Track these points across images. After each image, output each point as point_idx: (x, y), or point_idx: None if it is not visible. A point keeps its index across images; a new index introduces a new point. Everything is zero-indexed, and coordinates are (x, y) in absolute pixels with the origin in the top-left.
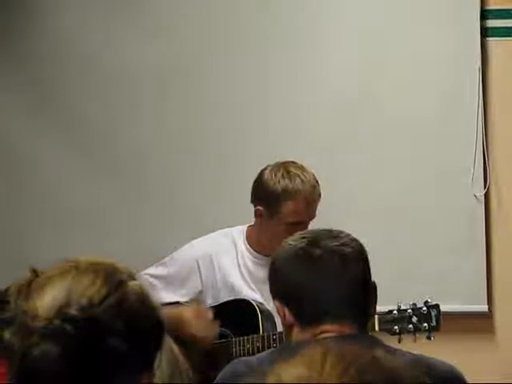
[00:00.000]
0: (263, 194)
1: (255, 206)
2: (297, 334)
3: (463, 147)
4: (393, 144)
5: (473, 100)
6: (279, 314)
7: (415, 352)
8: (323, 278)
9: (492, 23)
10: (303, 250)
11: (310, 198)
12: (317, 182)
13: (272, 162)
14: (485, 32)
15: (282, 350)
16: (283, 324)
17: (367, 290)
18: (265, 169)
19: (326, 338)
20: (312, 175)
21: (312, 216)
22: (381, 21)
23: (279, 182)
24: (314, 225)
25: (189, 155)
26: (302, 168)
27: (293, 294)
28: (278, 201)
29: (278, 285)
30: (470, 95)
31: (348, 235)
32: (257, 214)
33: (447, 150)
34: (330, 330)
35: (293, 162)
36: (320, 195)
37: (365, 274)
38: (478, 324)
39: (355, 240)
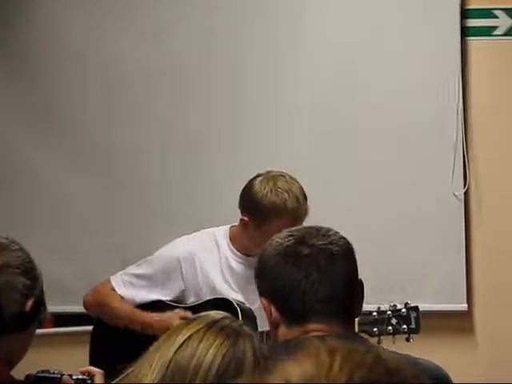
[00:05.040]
0: (250, 206)
1: (242, 213)
2: (283, 333)
3: (443, 146)
4: (372, 144)
5: (453, 99)
6: (266, 311)
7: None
8: (310, 277)
9: (472, 23)
10: (291, 248)
11: (297, 216)
12: (305, 197)
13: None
14: (465, 31)
15: (271, 350)
16: (269, 322)
17: (354, 289)
18: (254, 179)
19: (313, 337)
20: (300, 190)
21: None
22: (360, 20)
23: (267, 195)
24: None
25: (176, 156)
26: (290, 182)
27: (280, 291)
28: (264, 216)
29: (265, 282)
30: (450, 94)
31: (336, 233)
32: (242, 223)
33: (427, 149)
34: (316, 329)
35: (282, 176)
36: (307, 211)
37: (352, 272)
38: (458, 323)
39: (343, 238)
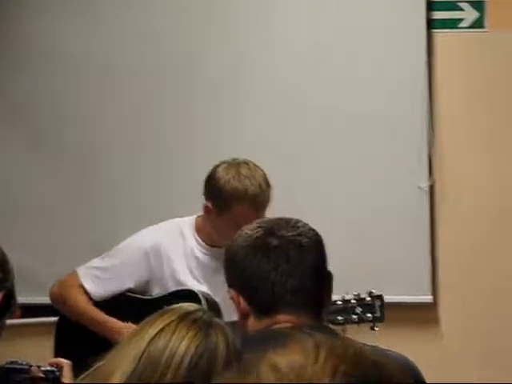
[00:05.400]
0: (213, 192)
1: (205, 200)
2: (252, 324)
3: (409, 139)
4: (338, 136)
5: (418, 91)
6: (234, 302)
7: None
8: (280, 268)
9: (438, 15)
10: (260, 239)
11: (258, 203)
12: (268, 184)
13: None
14: (431, 24)
15: (243, 342)
16: (238, 313)
17: (323, 281)
18: (218, 165)
19: (283, 329)
20: (263, 178)
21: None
22: (326, 13)
23: (229, 182)
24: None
25: (137, 152)
26: (254, 169)
27: (249, 282)
28: (227, 202)
29: (234, 273)
30: (416, 86)
31: (305, 225)
32: (205, 210)
33: (393, 141)
34: (285, 320)
35: (246, 163)
36: (269, 198)
37: (321, 264)
38: (423, 314)
39: (312, 230)
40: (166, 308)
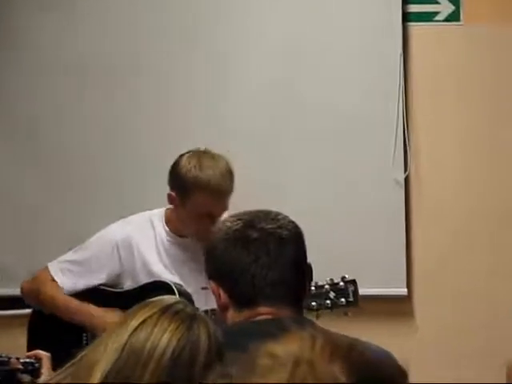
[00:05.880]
0: (176, 181)
1: (170, 190)
2: (232, 316)
3: (384, 132)
4: (315, 131)
5: (394, 85)
6: (214, 295)
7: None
8: (260, 261)
9: (414, 8)
10: (239, 231)
11: (220, 192)
12: (230, 174)
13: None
14: (406, 17)
15: (225, 334)
16: (218, 305)
17: (303, 273)
18: (183, 155)
19: (264, 320)
20: (226, 167)
21: (223, 209)
22: (302, 5)
23: (191, 171)
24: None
25: (112, 144)
26: (216, 159)
27: (229, 275)
28: (188, 191)
29: (214, 266)
30: (391, 79)
31: (285, 217)
32: (169, 199)
33: (368, 134)
34: (265, 312)
35: (209, 152)
36: (232, 188)
37: (301, 256)
38: (398, 307)
39: (292, 222)
40: (147, 300)
